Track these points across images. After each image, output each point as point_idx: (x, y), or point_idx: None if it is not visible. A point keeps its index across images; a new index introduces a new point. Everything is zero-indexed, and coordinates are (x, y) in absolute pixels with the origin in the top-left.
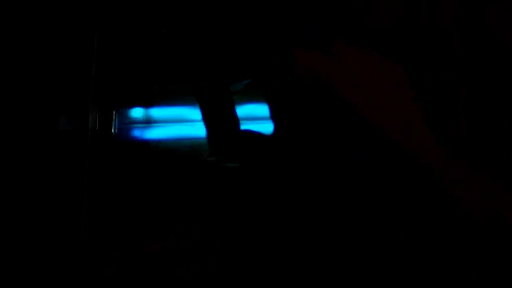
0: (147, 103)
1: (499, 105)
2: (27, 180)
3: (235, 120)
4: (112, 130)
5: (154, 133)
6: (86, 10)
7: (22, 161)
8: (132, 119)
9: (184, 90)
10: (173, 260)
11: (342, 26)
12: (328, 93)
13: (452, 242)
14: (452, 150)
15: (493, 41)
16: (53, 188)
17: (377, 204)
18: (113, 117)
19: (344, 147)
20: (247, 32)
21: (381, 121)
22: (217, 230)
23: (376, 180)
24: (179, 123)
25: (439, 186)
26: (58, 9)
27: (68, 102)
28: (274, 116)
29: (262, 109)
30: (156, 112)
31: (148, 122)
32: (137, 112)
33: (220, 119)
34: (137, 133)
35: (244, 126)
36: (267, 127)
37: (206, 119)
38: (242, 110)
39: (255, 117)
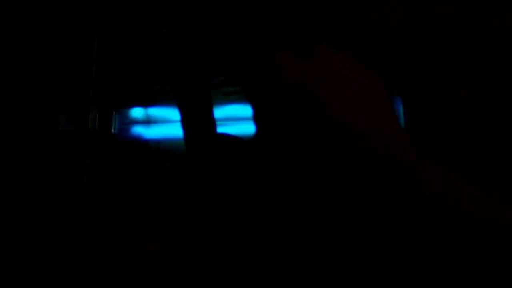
0: (147, 103)
1: (499, 105)
2: (27, 180)
3: (212, 123)
4: (112, 130)
5: (154, 133)
6: (86, 10)
7: (22, 161)
8: (132, 119)
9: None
10: (176, 255)
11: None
12: (305, 94)
13: (450, 242)
14: (427, 151)
15: (493, 41)
16: (53, 188)
17: (373, 205)
18: (113, 117)
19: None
20: (240, 34)
21: (354, 121)
22: (221, 225)
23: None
24: (179, 123)
25: (411, 183)
26: (58, 9)
27: (68, 102)
28: (258, 117)
29: (243, 110)
30: (156, 112)
31: (148, 122)
32: (137, 112)
33: (197, 121)
34: (137, 133)
35: (225, 126)
36: (247, 128)
37: (184, 120)
38: (223, 111)
39: (236, 117)
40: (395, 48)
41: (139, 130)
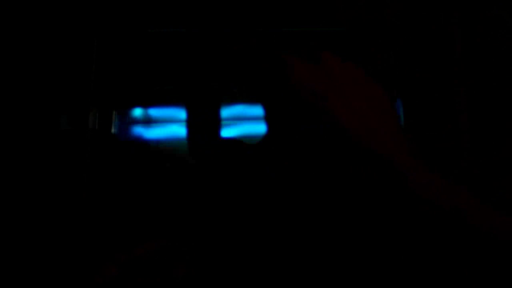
0: (147, 103)
1: (499, 105)
2: (27, 180)
3: (217, 128)
4: (112, 130)
5: (154, 133)
6: (86, 10)
7: (22, 161)
8: (132, 119)
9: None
10: (171, 259)
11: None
12: (313, 98)
13: (440, 248)
14: (426, 156)
15: (493, 41)
16: (53, 188)
17: (363, 206)
18: (113, 117)
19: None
20: (245, 35)
21: (358, 125)
22: (215, 229)
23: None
24: (179, 123)
25: (399, 185)
26: (58, 9)
27: (68, 102)
28: (271, 118)
29: (253, 110)
30: (156, 112)
31: (148, 122)
32: (137, 112)
33: (202, 124)
34: (137, 133)
35: (234, 127)
36: (257, 128)
37: (189, 123)
38: (232, 110)
39: (245, 117)
40: (395, 48)
41: (140, 130)
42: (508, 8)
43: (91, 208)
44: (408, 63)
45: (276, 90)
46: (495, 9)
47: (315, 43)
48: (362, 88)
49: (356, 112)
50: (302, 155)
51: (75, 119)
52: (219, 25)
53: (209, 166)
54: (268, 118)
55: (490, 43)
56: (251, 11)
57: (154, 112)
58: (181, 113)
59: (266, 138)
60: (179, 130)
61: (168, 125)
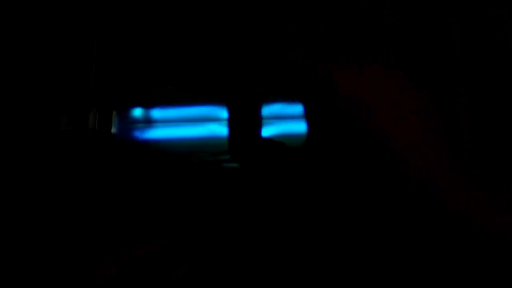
0: (147, 103)
1: (499, 105)
2: (27, 180)
3: (258, 126)
4: (112, 130)
5: (154, 133)
6: (86, 10)
7: (21, 161)
8: (132, 119)
9: (185, 90)
10: (171, 259)
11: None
12: (356, 106)
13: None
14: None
15: (493, 41)
16: (53, 188)
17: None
18: (113, 117)
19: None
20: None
21: (400, 140)
22: (217, 230)
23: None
24: (179, 123)
25: (444, 212)
26: (58, 9)
27: (68, 102)
28: (311, 120)
29: (292, 108)
30: (156, 112)
31: (148, 122)
32: (137, 112)
33: (244, 123)
34: (137, 133)
35: (272, 125)
36: (296, 127)
37: (231, 121)
38: (271, 108)
39: (284, 116)
40: (395, 48)
41: (140, 130)
42: (508, 8)
43: (91, 208)
44: (408, 63)
45: (318, 95)
46: (495, 9)
47: (315, 43)
48: (410, 102)
49: (398, 120)
50: (343, 163)
51: (75, 119)
52: (219, 25)
53: (250, 166)
54: (308, 120)
55: (490, 43)
56: (251, 11)
57: (154, 112)
58: (181, 113)
59: (306, 140)
60: (179, 130)
61: (169, 125)
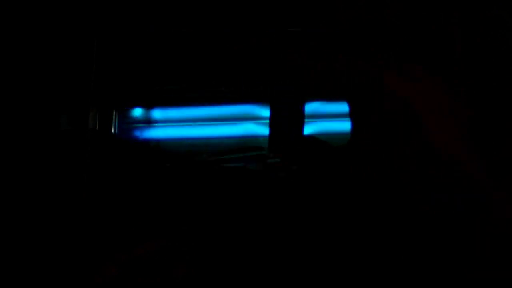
0: (147, 103)
1: (499, 105)
2: (27, 180)
3: (302, 123)
4: (112, 130)
5: (154, 133)
6: (86, 10)
7: (22, 161)
8: (132, 119)
9: (185, 90)
10: (171, 259)
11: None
12: (407, 114)
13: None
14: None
15: (494, 41)
16: (53, 188)
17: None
18: (113, 117)
19: None
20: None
21: (451, 149)
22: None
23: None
24: (180, 123)
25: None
26: (58, 9)
27: (68, 102)
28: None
29: (334, 106)
30: (156, 112)
31: (148, 122)
32: (137, 112)
33: (285, 121)
34: (137, 133)
35: (314, 124)
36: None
37: (272, 120)
38: (312, 106)
39: (326, 114)
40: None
41: (140, 130)
42: (508, 8)
43: (91, 208)
44: (408, 63)
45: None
46: (495, 9)
47: (315, 43)
48: (451, 107)
49: (448, 130)
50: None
51: (75, 119)
52: (219, 25)
53: (291, 164)
54: (354, 119)
55: (490, 43)
56: (251, 11)
57: (154, 112)
58: (181, 113)
59: (351, 139)
60: (180, 130)
61: (169, 125)
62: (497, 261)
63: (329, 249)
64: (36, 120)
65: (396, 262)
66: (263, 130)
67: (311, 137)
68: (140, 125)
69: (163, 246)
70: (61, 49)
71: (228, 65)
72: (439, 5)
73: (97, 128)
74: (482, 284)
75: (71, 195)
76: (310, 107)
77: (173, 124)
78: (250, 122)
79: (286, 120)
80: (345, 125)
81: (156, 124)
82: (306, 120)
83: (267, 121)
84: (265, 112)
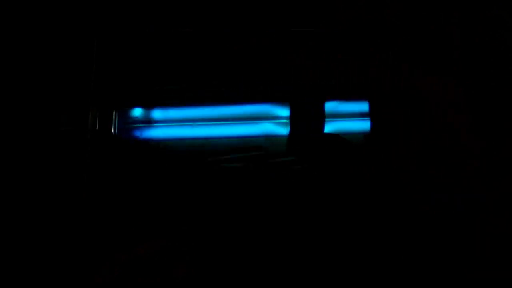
0: (147, 103)
1: (499, 105)
2: (27, 180)
3: (322, 121)
4: (112, 130)
5: (154, 133)
6: (86, 11)
7: (22, 161)
8: (132, 119)
9: (185, 90)
10: (171, 259)
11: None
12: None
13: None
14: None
15: (493, 41)
16: (53, 188)
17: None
18: (113, 117)
19: None
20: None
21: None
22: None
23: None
24: (180, 123)
25: None
26: (58, 9)
27: (68, 102)
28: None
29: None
30: (157, 112)
31: (148, 122)
32: (137, 112)
33: (304, 120)
34: (137, 133)
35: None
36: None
37: (293, 116)
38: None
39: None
40: (395, 49)
41: (140, 131)
42: (508, 8)
43: (91, 208)
44: (408, 63)
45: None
46: (495, 9)
47: (315, 43)
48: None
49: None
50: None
51: (75, 119)
52: (219, 25)
53: (308, 161)
54: (374, 118)
55: (490, 43)
56: (251, 11)
57: (154, 112)
58: (181, 113)
59: (371, 138)
60: (179, 130)
61: (169, 125)
62: (497, 261)
63: (329, 249)
64: (36, 120)
65: (396, 262)
66: (281, 130)
67: (333, 135)
68: (140, 125)
69: (163, 246)
70: (61, 49)
71: (228, 65)
72: (438, 5)
73: (97, 128)
74: (482, 284)
75: (71, 195)
76: (332, 107)
77: (173, 124)
78: (266, 121)
79: (307, 119)
80: (364, 124)
81: (156, 124)
82: (325, 119)
83: (286, 120)
84: (282, 111)
